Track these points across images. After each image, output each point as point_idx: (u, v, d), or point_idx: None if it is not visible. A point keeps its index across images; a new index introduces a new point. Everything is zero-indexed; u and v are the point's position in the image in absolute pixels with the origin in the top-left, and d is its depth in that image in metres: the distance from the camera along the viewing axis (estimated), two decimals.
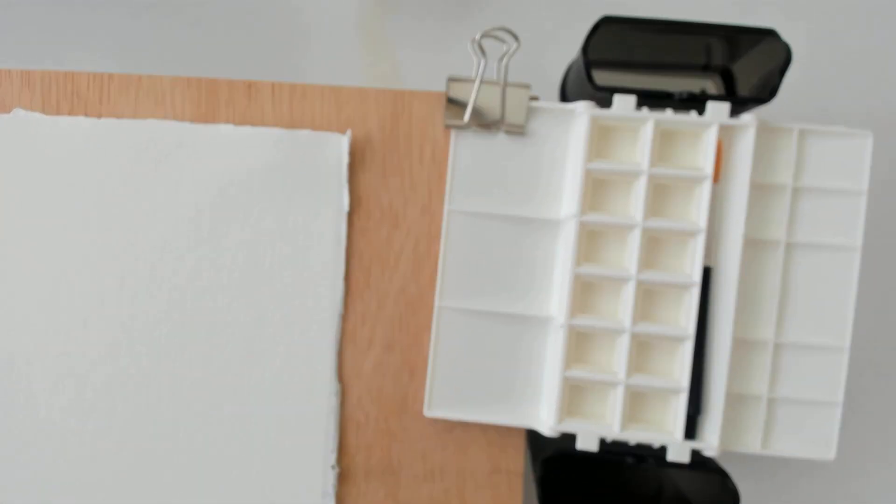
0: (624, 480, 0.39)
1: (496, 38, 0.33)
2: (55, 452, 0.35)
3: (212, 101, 0.35)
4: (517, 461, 0.36)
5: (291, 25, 0.47)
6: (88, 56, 0.45)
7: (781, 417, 0.35)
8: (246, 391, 0.35)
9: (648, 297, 0.34)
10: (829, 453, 0.35)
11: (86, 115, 0.34)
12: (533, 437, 0.38)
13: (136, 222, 0.34)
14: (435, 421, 0.36)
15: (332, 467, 0.35)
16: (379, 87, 0.35)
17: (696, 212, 0.34)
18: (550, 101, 0.35)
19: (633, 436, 0.34)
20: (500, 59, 0.34)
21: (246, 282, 0.35)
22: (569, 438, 0.34)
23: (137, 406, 0.35)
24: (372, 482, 0.36)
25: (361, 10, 0.46)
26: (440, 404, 0.35)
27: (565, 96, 0.41)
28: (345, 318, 0.35)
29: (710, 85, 0.39)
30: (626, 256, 0.34)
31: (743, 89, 0.37)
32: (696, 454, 0.34)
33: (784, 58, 0.33)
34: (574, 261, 0.34)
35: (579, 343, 0.34)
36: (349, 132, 0.35)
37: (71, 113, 0.34)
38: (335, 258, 0.35)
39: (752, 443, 0.35)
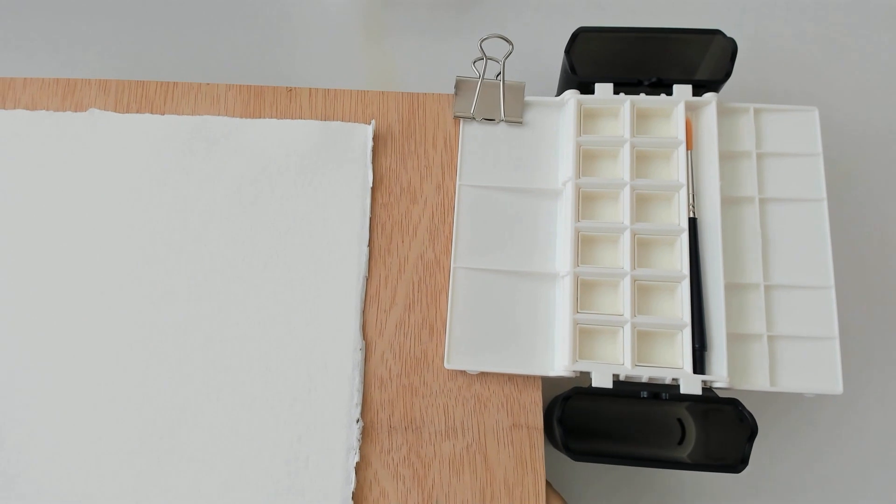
0: (641, 419, 0.39)
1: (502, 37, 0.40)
2: (94, 404, 0.36)
3: (258, 102, 0.41)
4: (536, 416, 0.37)
5: (291, 25, 0.51)
6: (96, 62, 0.49)
7: (784, 354, 0.37)
8: (275, 349, 0.37)
9: (643, 247, 0.38)
10: (836, 387, 0.36)
11: (151, 113, 0.41)
12: (550, 410, 0.39)
13: (189, 198, 0.39)
14: (455, 377, 0.38)
15: (357, 422, 0.36)
16: (380, 82, 0.41)
17: (676, 172, 0.39)
18: (543, 96, 0.42)
19: (645, 371, 0.35)
20: (497, 74, 0.41)
21: (281, 249, 0.38)
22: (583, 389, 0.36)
23: (173, 361, 0.37)
24: (395, 438, 0.37)
25: (362, 5, 0.50)
26: (459, 357, 0.37)
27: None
28: (368, 281, 0.39)
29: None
30: (620, 212, 0.39)
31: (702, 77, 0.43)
32: (709, 391, 0.36)
33: (731, 48, 0.40)
34: (573, 217, 0.38)
35: (584, 291, 0.37)
36: (373, 122, 0.41)
37: (139, 112, 0.41)
38: (361, 227, 0.39)
39: (760, 381, 0.36)
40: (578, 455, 0.34)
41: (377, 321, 0.38)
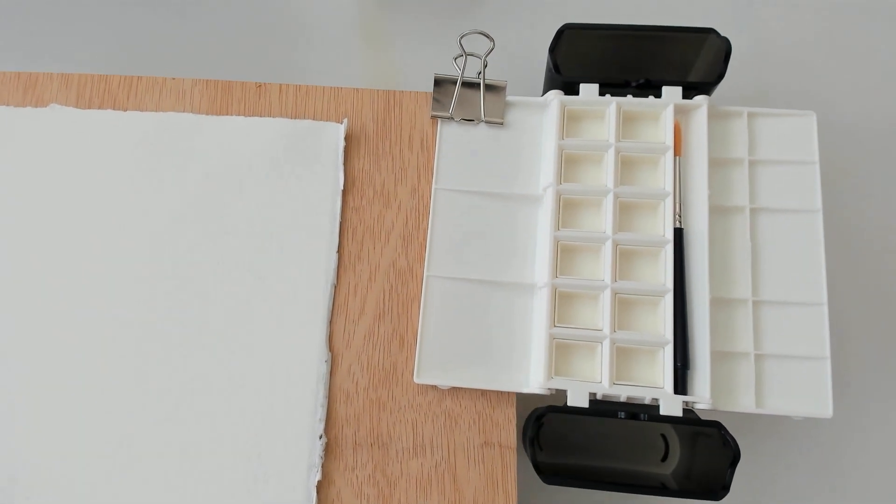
0: (622, 434, 0.38)
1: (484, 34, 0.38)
2: (54, 412, 0.34)
3: (225, 98, 0.39)
4: (509, 434, 0.35)
5: (291, 24, 0.50)
6: (89, 56, 0.48)
7: (771, 374, 0.35)
8: (237, 358, 0.35)
9: (626, 258, 0.36)
10: (826, 410, 0.34)
11: (114, 109, 0.39)
12: (526, 420, 0.37)
13: (150, 199, 0.37)
14: (425, 392, 0.36)
15: (320, 437, 0.34)
16: (377, 82, 0.39)
17: (663, 179, 0.37)
18: (524, 96, 0.40)
19: (623, 391, 0.34)
20: (479, 72, 0.39)
21: (245, 253, 0.37)
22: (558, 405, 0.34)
23: (129, 373, 0.35)
24: (360, 455, 0.35)
25: (361, 8, 0.50)
26: (430, 371, 0.35)
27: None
28: (337, 289, 0.37)
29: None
30: (602, 221, 0.37)
31: (694, 79, 0.41)
32: (690, 413, 0.34)
33: (725, 48, 0.38)
34: (553, 226, 0.36)
35: (562, 304, 0.36)
36: (345, 121, 0.39)
37: (101, 108, 0.39)
38: (330, 232, 0.37)
39: (745, 402, 0.34)
40: (551, 478, 0.33)
41: (345, 332, 0.36)
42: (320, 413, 0.35)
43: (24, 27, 0.49)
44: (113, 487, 0.33)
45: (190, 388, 0.35)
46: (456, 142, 0.39)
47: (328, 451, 0.35)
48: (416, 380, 0.35)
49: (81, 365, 0.35)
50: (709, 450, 0.35)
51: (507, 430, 0.35)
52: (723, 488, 0.32)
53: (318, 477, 0.34)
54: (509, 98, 0.39)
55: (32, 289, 0.36)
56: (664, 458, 0.41)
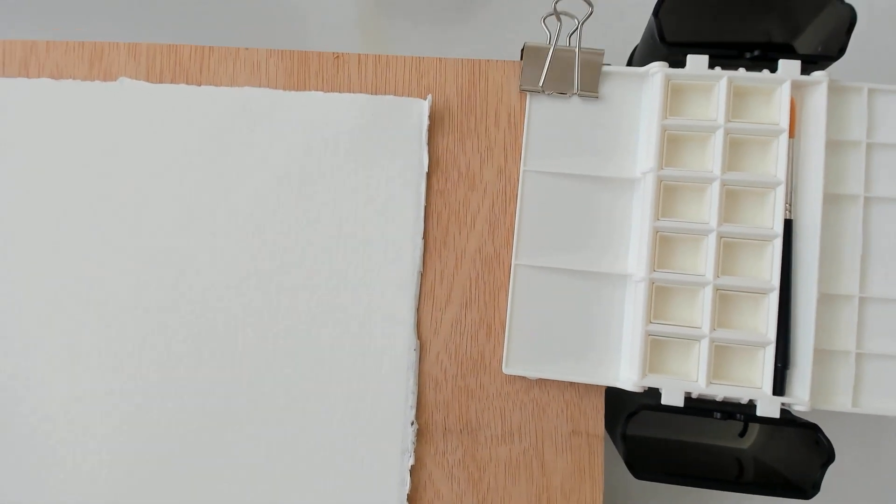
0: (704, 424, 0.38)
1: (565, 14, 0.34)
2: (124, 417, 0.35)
3: (302, 70, 0.37)
4: (597, 423, 0.36)
5: (291, 25, 0.49)
6: (125, 22, 0.47)
7: (871, 374, 0.34)
8: (327, 348, 0.35)
9: (729, 251, 0.34)
10: None
11: (186, 83, 0.37)
12: (611, 404, 0.37)
13: (229, 183, 0.36)
14: (513, 380, 0.36)
15: (412, 424, 0.35)
16: None
17: (774, 165, 0.34)
18: (623, 66, 0.36)
19: (720, 390, 0.33)
20: (571, 33, 0.35)
21: (330, 239, 0.36)
22: (650, 397, 0.34)
23: (222, 361, 0.35)
24: (450, 441, 0.36)
25: (360, 10, 0.48)
26: (518, 362, 0.35)
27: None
28: (423, 276, 0.36)
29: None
30: (705, 210, 0.35)
31: (806, 49, 0.38)
32: (784, 412, 0.33)
33: (849, 17, 0.34)
34: (653, 215, 0.34)
35: (659, 298, 0.34)
36: (430, 97, 0.36)
37: (173, 81, 0.37)
38: (415, 217, 0.36)
39: (842, 401, 0.34)
40: (642, 474, 0.33)
41: (432, 319, 0.36)
42: (411, 400, 0.35)
43: None
44: (215, 478, 0.35)
45: (284, 377, 0.35)
46: (546, 118, 0.36)
47: (419, 436, 0.35)
48: (504, 370, 0.35)
49: (173, 359, 0.36)
50: (794, 440, 0.35)
51: (595, 420, 0.36)
52: (814, 487, 0.33)
53: (411, 461, 0.35)
54: (605, 68, 0.36)
55: (97, 277, 0.36)
56: (742, 434, 0.41)
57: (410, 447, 0.35)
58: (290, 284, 0.36)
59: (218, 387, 0.35)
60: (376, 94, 0.37)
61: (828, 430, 0.33)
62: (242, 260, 0.36)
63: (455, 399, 0.36)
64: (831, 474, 0.32)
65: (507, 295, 0.36)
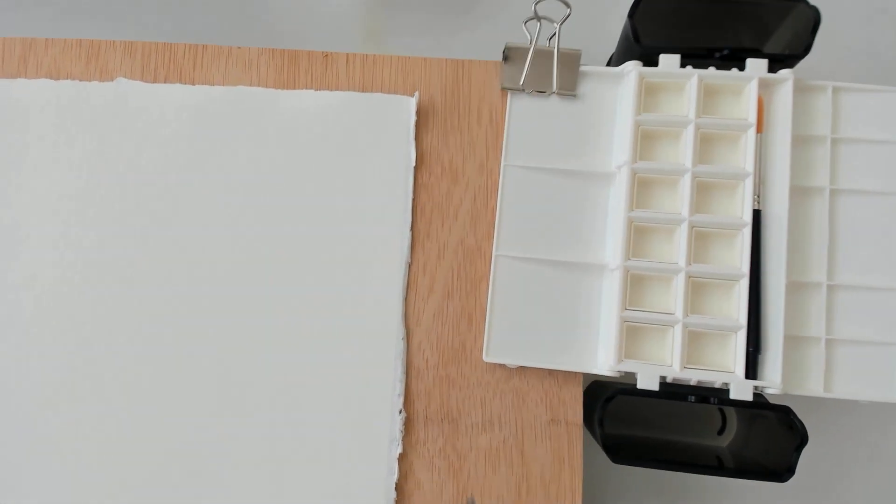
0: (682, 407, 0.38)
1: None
2: (123, 393, 0.36)
3: (292, 68, 0.38)
4: (576, 412, 0.36)
5: (291, 23, 0.50)
6: (120, 20, 0.48)
7: (842, 359, 0.35)
8: (316, 338, 0.36)
9: (701, 240, 0.35)
10: (894, 395, 0.34)
11: (181, 81, 0.38)
12: (589, 393, 0.38)
13: (221, 178, 0.37)
14: (493, 369, 0.37)
15: (400, 412, 0.36)
16: None
17: (743, 159, 0.36)
18: (599, 66, 0.38)
19: (694, 374, 0.34)
20: (551, 35, 0.37)
21: (320, 232, 0.37)
22: (626, 384, 0.35)
23: (209, 351, 0.36)
24: (431, 429, 0.36)
25: (361, 6, 0.49)
26: (498, 350, 0.36)
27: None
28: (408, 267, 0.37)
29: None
30: (678, 201, 0.36)
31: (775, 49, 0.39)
32: (757, 396, 0.34)
33: (814, 18, 0.36)
34: (627, 206, 0.35)
35: (634, 286, 0.35)
36: (417, 94, 0.38)
37: (167, 79, 0.38)
38: (404, 210, 0.37)
39: (814, 386, 0.34)
40: (619, 458, 0.34)
41: (415, 310, 0.37)
42: (399, 388, 0.36)
43: None
44: (204, 469, 0.35)
45: (271, 370, 0.36)
46: (526, 115, 0.38)
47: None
48: (485, 359, 0.36)
49: (161, 349, 0.36)
50: (771, 430, 0.35)
51: (574, 408, 0.36)
52: (788, 470, 0.33)
53: (399, 450, 0.35)
54: (582, 68, 0.38)
55: (94, 275, 0.37)
56: (721, 432, 0.42)
57: (398, 436, 0.35)
58: (280, 277, 0.36)
59: (208, 378, 0.36)
60: (364, 91, 0.38)
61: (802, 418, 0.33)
62: (233, 253, 0.37)
63: (436, 388, 0.36)
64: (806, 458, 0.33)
65: (487, 285, 0.37)
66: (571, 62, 0.38)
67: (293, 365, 0.36)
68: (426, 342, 0.37)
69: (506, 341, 0.36)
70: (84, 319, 0.36)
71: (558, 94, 0.38)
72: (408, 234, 0.37)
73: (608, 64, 0.44)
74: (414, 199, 0.38)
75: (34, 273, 0.37)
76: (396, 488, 0.35)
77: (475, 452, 0.36)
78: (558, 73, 0.38)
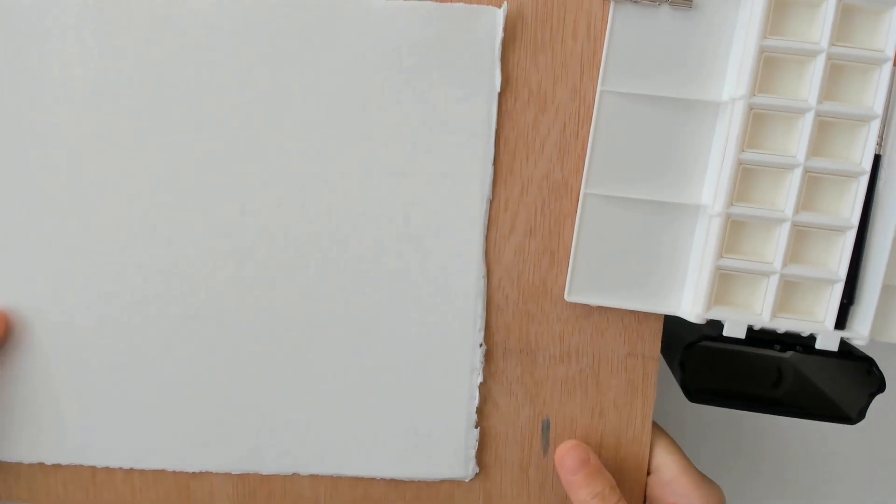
0: (761, 369, 0.39)
1: None
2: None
3: None
4: (653, 346, 0.37)
5: None
6: None
7: None
8: (398, 272, 0.35)
9: (812, 186, 0.33)
10: None
11: None
12: (665, 331, 0.38)
13: (284, 98, 0.34)
14: (573, 306, 0.36)
15: (480, 345, 0.36)
16: None
17: (872, 97, 0.32)
18: None
19: (784, 324, 0.34)
20: None
21: (396, 163, 0.34)
22: (710, 327, 0.35)
23: (293, 290, 0.36)
24: (510, 360, 0.37)
25: None
26: (581, 290, 0.35)
27: None
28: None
29: None
30: (792, 142, 0.33)
31: None
32: (844, 346, 0.34)
33: None
34: (738, 146, 0.32)
35: (732, 232, 0.34)
36: (505, 4, 0.32)
37: None
38: (486, 142, 0.34)
39: None
40: (698, 397, 0.35)
41: (495, 247, 0.36)
42: (479, 323, 0.36)
43: None
44: (288, 404, 0.36)
45: (356, 302, 0.35)
46: (631, 30, 0.33)
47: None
48: (567, 298, 0.35)
49: (244, 285, 0.35)
50: (849, 380, 0.36)
51: (652, 344, 0.37)
52: (859, 413, 0.35)
53: (479, 379, 0.36)
54: None
55: (146, 186, 0.35)
56: (777, 385, 0.42)
57: (479, 366, 0.36)
58: (355, 213, 0.35)
59: (293, 314, 0.36)
60: (442, 1, 0.33)
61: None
62: (304, 187, 0.34)
63: (516, 323, 0.37)
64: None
65: (572, 223, 0.35)
66: None
67: (379, 301, 0.36)
68: (506, 279, 0.36)
69: (589, 282, 0.35)
70: (181, 244, 0.35)
71: (671, 4, 0.33)
72: (490, 169, 0.34)
73: None
74: (497, 130, 0.34)
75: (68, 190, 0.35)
76: (477, 411, 0.37)
77: (551, 381, 0.37)
78: None
